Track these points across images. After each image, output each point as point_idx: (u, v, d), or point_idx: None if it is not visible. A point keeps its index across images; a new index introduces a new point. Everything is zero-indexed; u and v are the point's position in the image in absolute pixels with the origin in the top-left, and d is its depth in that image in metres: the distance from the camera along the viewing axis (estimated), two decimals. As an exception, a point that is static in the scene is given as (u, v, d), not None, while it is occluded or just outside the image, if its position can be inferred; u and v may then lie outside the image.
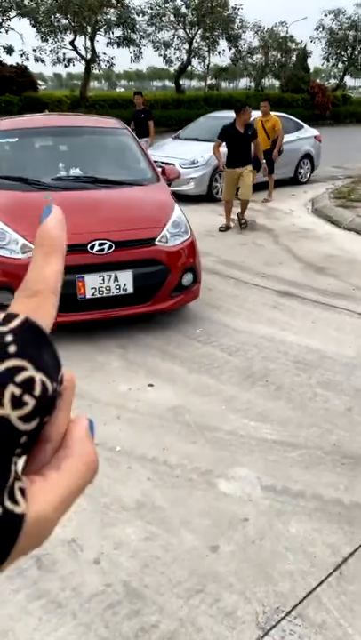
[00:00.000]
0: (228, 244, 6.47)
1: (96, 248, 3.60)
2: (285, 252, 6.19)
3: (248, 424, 2.86)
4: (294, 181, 10.58)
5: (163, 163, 8.78)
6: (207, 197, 8.84)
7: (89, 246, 3.58)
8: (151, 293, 3.83)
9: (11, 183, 4.16)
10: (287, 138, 10.21)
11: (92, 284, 3.59)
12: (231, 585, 1.90)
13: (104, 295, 3.64)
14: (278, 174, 10.07)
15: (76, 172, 4.44)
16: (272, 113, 11.21)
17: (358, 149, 16.97)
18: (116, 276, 3.63)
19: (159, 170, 4.85)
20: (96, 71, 27.36)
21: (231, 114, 8.23)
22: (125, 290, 3.69)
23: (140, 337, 3.90)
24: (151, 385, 3.25)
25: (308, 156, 10.69)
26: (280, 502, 2.30)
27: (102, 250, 3.61)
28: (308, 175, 10.90)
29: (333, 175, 11.73)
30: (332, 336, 3.98)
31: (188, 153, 9.07)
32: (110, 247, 3.62)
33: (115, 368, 3.46)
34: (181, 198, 8.60)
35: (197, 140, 9.50)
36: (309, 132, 10.87)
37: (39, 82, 25.44)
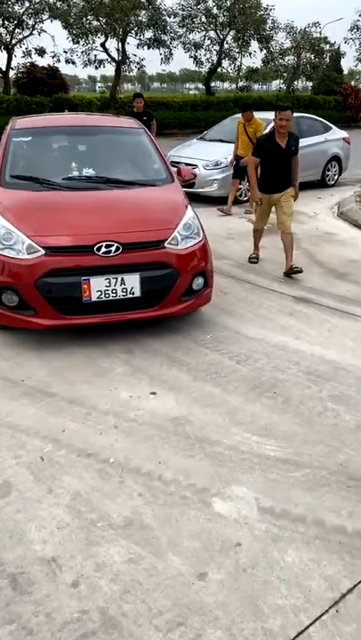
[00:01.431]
0: (248, 248, 6.28)
1: (102, 250, 3.49)
2: (306, 257, 5.99)
3: (250, 439, 2.70)
4: (321, 184, 10.32)
5: (186, 164, 8.70)
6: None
7: (95, 248, 3.48)
8: (159, 297, 3.71)
9: (23, 182, 4.10)
10: (314, 139, 9.99)
11: (98, 287, 3.49)
12: (216, 618, 1.75)
13: (110, 298, 3.53)
14: (304, 177, 9.85)
15: (88, 172, 4.35)
16: (299, 114, 11.05)
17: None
18: (122, 279, 3.52)
19: (174, 170, 4.73)
20: (127, 73, 27.49)
21: (258, 115, 8.09)
22: (132, 293, 3.57)
23: (148, 342, 3.78)
24: (154, 393, 3.12)
25: (336, 158, 10.42)
26: (277, 527, 2.14)
27: (109, 252, 3.50)
28: (335, 178, 10.63)
29: (360, 179, 11.40)
30: (349, 346, 3.78)
31: (212, 154, 8.94)
32: (117, 249, 3.51)
33: (118, 374, 3.35)
34: (204, 200, 8.50)
35: (222, 141, 9.35)
36: (338, 133, 10.59)
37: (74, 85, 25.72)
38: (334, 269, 5.55)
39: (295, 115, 10.61)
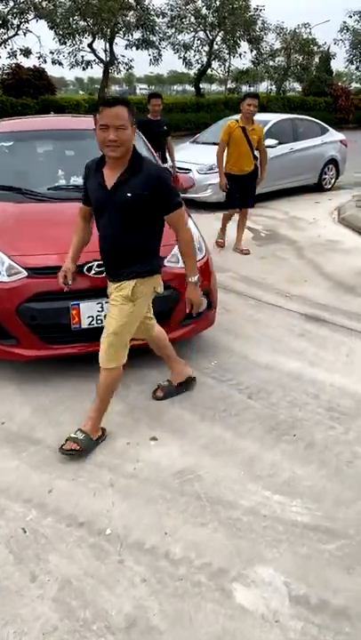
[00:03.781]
0: (248, 258, 5.91)
1: (94, 270, 3.06)
2: (311, 268, 5.60)
3: (272, 498, 2.29)
4: (318, 188, 9.96)
5: (179, 168, 8.28)
6: (226, 205, 8.26)
7: (85, 268, 3.05)
8: (158, 322, 3.28)
9: (2, 193, 3.66)
10: (311, 142, 9.64)
11: (89, 312, 3.06)
12: None
13: (103, 325, 3.10)
14: (301, 180, 9.49)
15: (77, 180, 3.92)
16: (295, 116, 10.67)
17: (385, 154, 16.25)
18: (116, 303, 3.09)
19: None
20: (116, 75, 27.05)
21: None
22: (128, 318, 3.14)
23: (145, 372, 3.36)
24: (155, 439, 2.69)
25: (333, 161, 10.06)
26: (317, 626, 1.73)
27: (101, 272, 3.07)
28: (332, 182, 10.28)
29: (359, 181, 11.07)
30: (371, 374, 3.39)
31: (206, 158, 8.52)
32: (111, 269, 3.08)
33: (113, 414, 2.91)
34: (199, 206, 8.09)
35: (216, 144, 8.92)
36: (335, 136, 10.24)
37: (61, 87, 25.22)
38: (343, 282, 5.17)
39: (292, 116, 10.35)
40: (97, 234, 3.26)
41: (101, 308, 3.07)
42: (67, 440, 2.53)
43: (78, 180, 3.90)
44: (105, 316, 3.07)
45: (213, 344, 3.77)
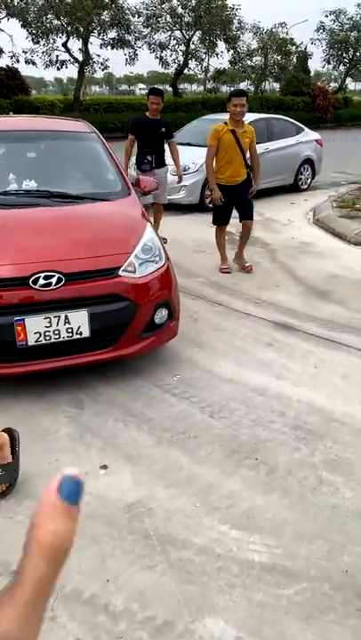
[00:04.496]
0: (218, 264, 5.71)
1: (41, 282, 2.83)
2: (283, 272, 5.44)
3: (228, 534, 2.08)
4: (294, 188, 9.83)
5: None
6: (199, 207, 8.09)
7: (31, 280, 2.82)
8: (114, 336, 3.07)
9: None
10: (286, 142, 9.49)
11: (36, 328, 2.83)
12: None
13: (52, 341, 2.88)
14: (276, 181, 9.34)
15: (29, 184, 3.68)
16: (270, 115, 10.52)
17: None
18: (66, 317, 2.87)
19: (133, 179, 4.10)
20: (92, 74, 26.69)
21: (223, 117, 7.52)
22: (80, 333, 2.92)
23: (101, 389, 3.14)
24: (105, 467, 2.47)
25: (308, 161, 9.94)
26: None
27: (49, 284, 2.85)
28: (308, 182, 10.15)
29: (336, 181, 10.99)
30: (340, 387, 3.21)
31: (180, 158, 8.32)
32: (59, 281, 2.86)
33: (62, 437, 2.69)
34: (172, 208, 7.88)
35: (190, 144, 8.75)
36: (310, 135, 10.12)
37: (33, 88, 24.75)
38: (315, 286, 5.00)
39: (266, 116, 10.19)
40: (42, 245, 3.05)
41: (49, 323, 2.84)
42: None
43: (31, 184, 3.68)
44: (54, 332, 2.86)
45: (177, 356, 3.57)
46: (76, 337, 2.92)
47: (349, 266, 5.68)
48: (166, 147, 6.18)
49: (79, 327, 2.91)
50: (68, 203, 3.48)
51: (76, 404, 2.99)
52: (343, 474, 2.43)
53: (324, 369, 3.44)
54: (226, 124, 5.06)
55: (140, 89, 70.49)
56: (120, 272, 3.05)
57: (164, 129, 5.93)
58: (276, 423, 2.83)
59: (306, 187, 10.08)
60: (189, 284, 4.90)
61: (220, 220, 5.33)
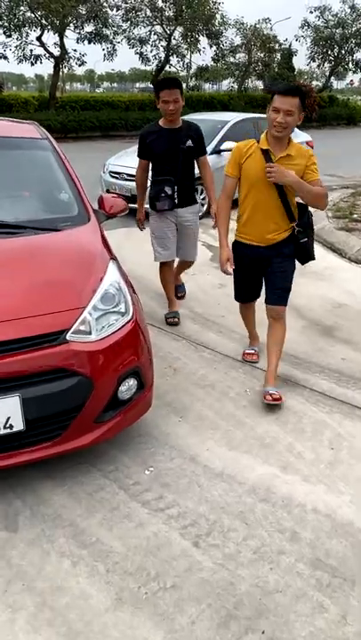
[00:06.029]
0: (203, 288, 4.88)
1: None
2: (280, 301, 4.61)
3: None
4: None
5: (127, 175, 7.21)
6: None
7: None
8: (59, 425, 2.22)
9: None
10: (276, 144, 8.68)
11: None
12: None
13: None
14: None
15: None
16: (258, 115, 9.67)
17: (350, 154, 15.57)
18: (-10, 406, 2.01)
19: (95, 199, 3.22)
20: (70, 70, 25.64)
21: (211, 116, 6.66)
22: (9, 427, 2.06)
23: (45, 494, 2.28)
24: (32, 660, 1.62)
25: (299, 164, 9.14)
26: None
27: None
28: (300, 187, 9.35)
29: (327, 185, 10.18)
30: (368, 484, 2.39)
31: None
32: (-22, 355, 2.00)
33: (-21, 590, 1.83)
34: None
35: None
36: (301, 136, 9.33)
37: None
38: (319, 321, 4.20)
39: (253, 115, 9.35)
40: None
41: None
42: None
43: None
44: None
45: (151, 432, 2.73)
46: (4, 432, 2.06)
47: (352, 291, 4.90)
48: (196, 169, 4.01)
49: (8, 419, 2.05)
50: (2, 235, 2.60)
51: (5, 519, 2.13)
52: (395, 663, 1.62)
53: (344, 451, 2.62)
54: (258, 140, 2.95)
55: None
56: (68, 336, 2.19)
57: (190, 142, 3.78)
58: (286, 555, 2.00)
59: (297, 193, 9.28)
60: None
61: (244, 296, 3.42)
